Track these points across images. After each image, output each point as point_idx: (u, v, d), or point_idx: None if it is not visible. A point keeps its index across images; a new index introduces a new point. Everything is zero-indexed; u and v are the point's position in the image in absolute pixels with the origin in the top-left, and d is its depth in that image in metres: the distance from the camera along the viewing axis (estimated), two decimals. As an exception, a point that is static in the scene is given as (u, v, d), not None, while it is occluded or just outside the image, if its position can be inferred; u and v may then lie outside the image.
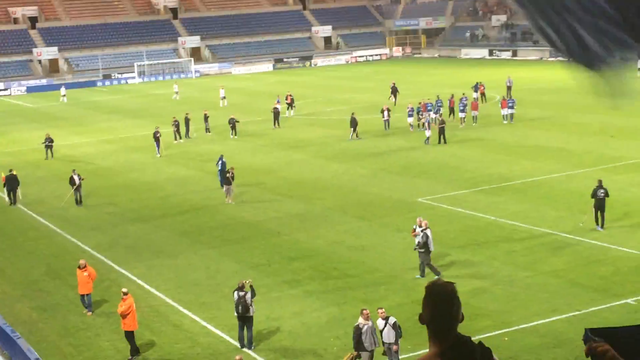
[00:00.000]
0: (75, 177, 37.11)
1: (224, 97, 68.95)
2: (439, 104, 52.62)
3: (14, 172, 38.72)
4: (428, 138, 46.35)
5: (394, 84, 64.47)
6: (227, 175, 35.89)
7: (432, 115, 50.70)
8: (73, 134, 58.18)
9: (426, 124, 47.30)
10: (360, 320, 19.37)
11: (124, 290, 22.16)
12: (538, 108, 56.57)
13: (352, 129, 49.47)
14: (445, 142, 46.00)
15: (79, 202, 37.10)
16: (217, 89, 72.80)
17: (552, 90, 65.77)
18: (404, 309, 21.96)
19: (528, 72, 79.52)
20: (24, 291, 26.68)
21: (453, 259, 26.59)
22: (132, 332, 21.37)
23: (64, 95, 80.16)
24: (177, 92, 76.21)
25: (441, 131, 46.47)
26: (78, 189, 37.13)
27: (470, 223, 30.71)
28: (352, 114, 50.08)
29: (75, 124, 63.12)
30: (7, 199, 38.70)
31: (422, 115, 50.28)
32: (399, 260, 26.73)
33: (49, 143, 48.93)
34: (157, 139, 47.92)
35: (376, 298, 23.55)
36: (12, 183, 38.35)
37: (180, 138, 51.80)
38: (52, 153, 48.85)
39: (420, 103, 52.67)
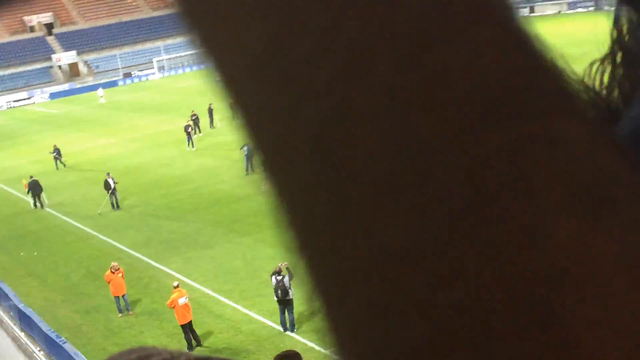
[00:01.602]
0: (110, 181, 37.03)
1: None
2: None
3: (35, 178, 39.79)
4: None
5: None
6: None
7: None
8: (99, 136, 58.53)
9: None
10: None
11: (174, 284, 22.46)
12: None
13: None
14: None
15: (115, 206, 37.02)
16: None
17: (573, 43, 64.91)
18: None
19: (547, 27, 78.02)
20: (66, 295, 26.96)
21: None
22: (183, 325, 21.59)
23: (102, 97, 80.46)
24: None
25: None
26: (114, 192, 37.08)
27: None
28: None
29: (99, 126, 63.49)
30: (32, 202, 39.87)
31: None
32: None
33: (56, 155, 48.44)
34: (188, 133, 47.99)
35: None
36: (35, 189, 39.57)
37: (200, 132, 51.30)
38: (62, 164, 48.44)
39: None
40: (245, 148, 39.21)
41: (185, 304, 21.65)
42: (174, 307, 21.62)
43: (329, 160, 0.37)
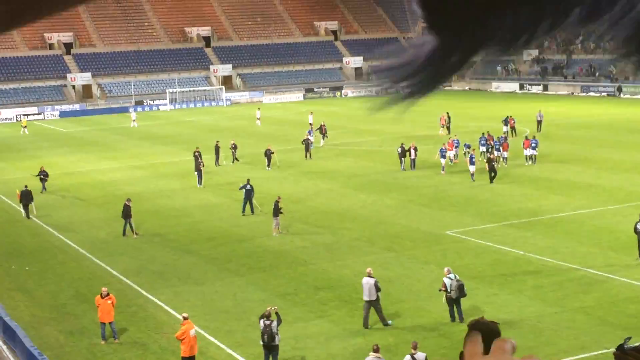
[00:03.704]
0: (129, 206, 36.43)
1: (259, 118, 75.50)
2: (482, 141, 50.93)
3: (29, 188, 41.06)
4: (473, 174, 45.28)
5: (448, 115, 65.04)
6: (278, 206, 35.21)
7: (481, 149, 49.96)
8: (103, 159, 58.77)
9: (467, 160, 45.89)
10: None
11: (184, 315, 22.27)
12: (568, 143, 56.29)
13: (401, 159, 49.46)
14: (492, 181, 44.18)
15: (133, 232, 36.34)
16: (247, 118, 73.88)
17: (583, 125, 65.50)
18: (430, 342, 21.89)
19: (559, 107, 79.22)
20: (52, 314, 26.88)
21: (480, 293, 26.44)
22: (189, 357, 21.37)
23: (135, 120, 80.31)
24: (259, 118, 76.02)
25: (491, 169, 44.51)
26: (130, 219, 36.39)
27: (498, 257, 30.56)
28: (402, 144, 50.17)
29: (105, 150, 63.76)
30: (23, 212, 41.03)
31: (467, 151, 48.16)
32: (425, 293, 26.62)
33: (43, 177, 47.25)
34: (199, 170, 47.57)
35: (401, 330, 23.46)
36: (27, 198, 40.67)
37: (196, 171, 48.59)
38: (44, 187, 47.01)
39: (451, 138, 52.64)
40: (246, 188, 39.38)
41: (195, 336, 21.49)
42: (183, 338, 21.35)
43: None
